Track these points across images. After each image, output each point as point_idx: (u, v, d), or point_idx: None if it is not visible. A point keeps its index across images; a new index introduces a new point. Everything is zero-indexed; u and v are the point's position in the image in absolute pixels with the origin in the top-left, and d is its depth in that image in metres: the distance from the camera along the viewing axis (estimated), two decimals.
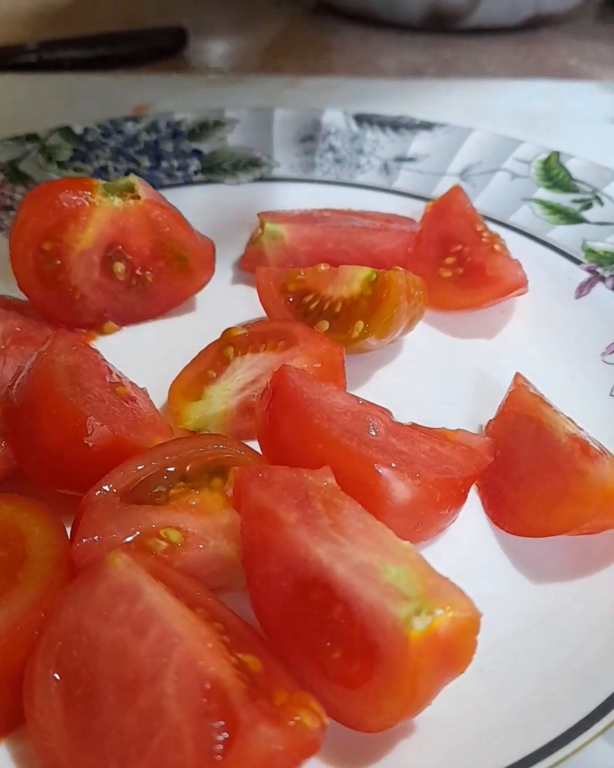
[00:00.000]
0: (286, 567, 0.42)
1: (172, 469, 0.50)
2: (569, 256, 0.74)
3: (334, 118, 0.90)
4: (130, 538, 0.46)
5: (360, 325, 0.62)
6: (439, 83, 1.10)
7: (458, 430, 0.56)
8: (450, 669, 0.40)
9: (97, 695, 0.38)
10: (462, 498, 0.51)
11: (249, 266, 0.75)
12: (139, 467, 0.49)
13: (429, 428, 0.55)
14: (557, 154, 0.84)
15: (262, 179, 0.85)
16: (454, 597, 0.39)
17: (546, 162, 0.83)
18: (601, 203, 0.78)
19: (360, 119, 0.90)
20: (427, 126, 0.88)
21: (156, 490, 0.48)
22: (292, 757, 0.35)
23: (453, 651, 0.39)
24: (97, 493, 0.47)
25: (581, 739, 0.42)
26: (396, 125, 0.89)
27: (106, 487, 0.48)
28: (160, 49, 1.22)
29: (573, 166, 0.82)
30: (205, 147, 0.87)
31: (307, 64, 1.14)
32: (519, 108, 1.01)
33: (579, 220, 0.77)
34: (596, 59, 1.24)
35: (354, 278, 0.64)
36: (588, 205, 0.78)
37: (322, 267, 0.67)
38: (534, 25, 1.26)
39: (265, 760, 0.34)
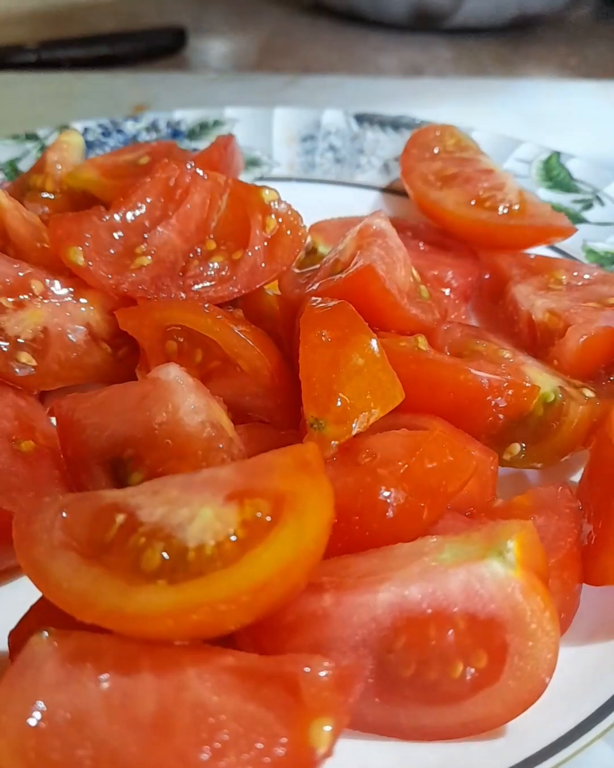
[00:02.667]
0: (355, 646, 0.41)
1: None
2: (570, 256, 0.74)
3: (334, 117, 0.90)
4: None
5: (516, 447, 0.55)
6: (440, 82, 1.10)
7: None
8: (544, 579, 0.42)
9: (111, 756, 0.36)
10: None
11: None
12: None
13: None
14: (557, 154, 0.83)
15: (261, 179, 0.84)
16: (500, 527, 0.42)
17: (546, 162, 0.83)
18: (602, 203, 0.78)
19: (361, 119, 0.90)
20: (428, 124, 0.88)
21: None
22: None
23: (538, 561, 0.42)
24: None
25: (581, 741, 0.42)
26: (396, 125, 0.89)
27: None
28: (160, 48, 1.22)
29: (574, 166, 0.82)
30: (205, 146, 0.87)
31: (306, 63, 1.14)
32: (520, 107, 1.01)
33: (580, 221, 0.76)
34: (596, 58, 1.24)
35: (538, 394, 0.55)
36: (588, 206, 0.78)
37: (506, 353, 0.58)
38: (521, 25, 1.27)
39: None
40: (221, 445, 0.49)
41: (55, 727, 0.35)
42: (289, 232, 0.60)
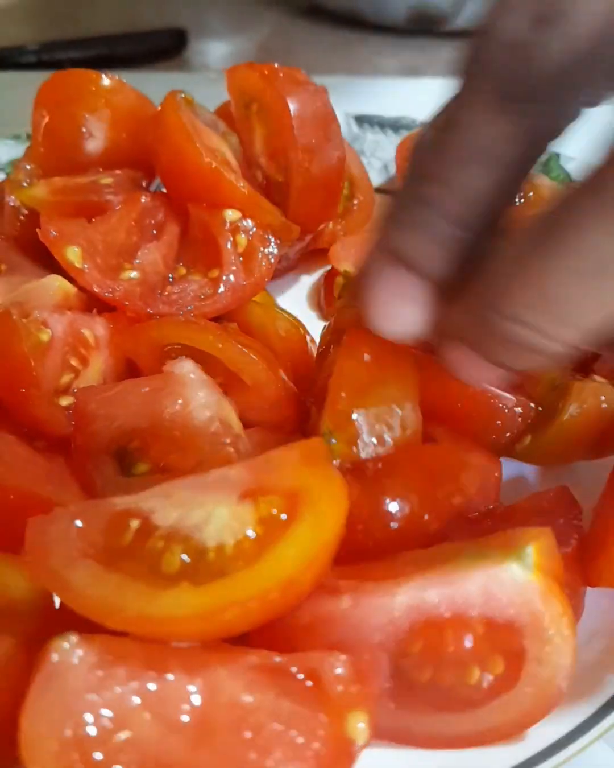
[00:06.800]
0: (371, 649, 0.41)
1: None
2: None
3: None
4: None
5: (527, 439, 0.53)
6: (439, 83, 1.10)
7: None
8: (562, 585, 0.42)
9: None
10: None
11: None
12: None
13: None
14: (557, 155, 0.83)
15: None
16: (518, 533, 0.42)
17: (546, 164, 0.83)
18: None
19: (361, 120, 0.90)
20: None
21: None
22: None
23: (555, 567, 0.42)
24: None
25: (580, 742, 0.43)
26: (396, 126, 0.89)
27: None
28: (160, 49, 1.22)
29: (574, 169, 0.82)
30: None
31: (306, 65, 1.13)
32: None
33: None
34: None
35: (543, 377, 0.54)
36: None
37: None
38: None
39: None
40: (227, 441, 0.49)
41: (97, 736, 0.35)
42: (260, 248, 0.61)
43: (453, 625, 0.41)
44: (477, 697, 0.41)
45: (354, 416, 0.48)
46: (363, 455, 0.48)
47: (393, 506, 0.45)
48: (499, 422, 0.52)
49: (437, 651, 0.41)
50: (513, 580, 0.40)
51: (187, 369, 0.51)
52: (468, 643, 0.41)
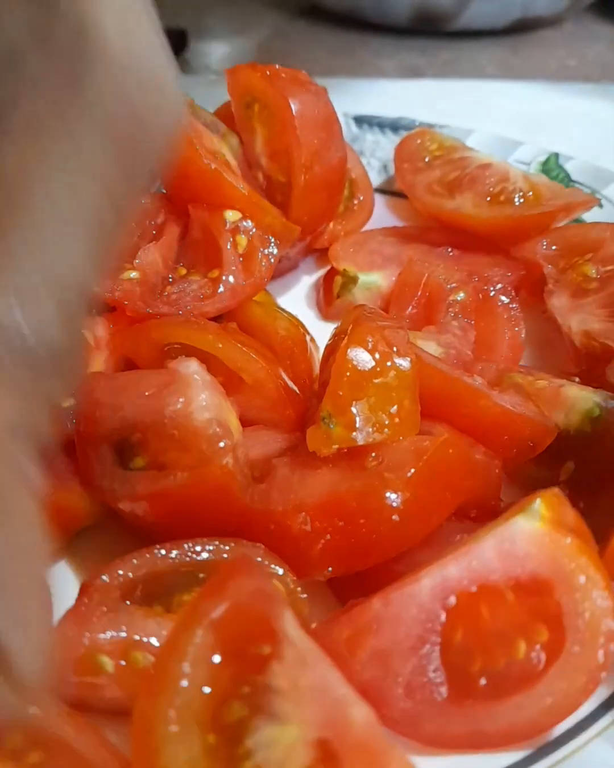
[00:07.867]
0: (414, 647, 0.40)
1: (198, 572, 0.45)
2: None
3: None
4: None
5: (570, 466, 0.53)
6: (439, 84, 1.10)
7: None
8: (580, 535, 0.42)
9: None
10: None
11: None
12: (161, 553, 0.46)
13: None
14: (556, 155, 0.84)
15: None
16: (529, 498, 0.43)
17: (545, 163, 0.83)
18: (600, 205, 0.78)
19: (360, 120, 0.90)
20: (427, 127, 0.88)
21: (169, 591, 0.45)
22: None
23: (570, 519, 0.42)
24: (98, 580, 0.44)
25: (579, 739, 0.42)
26: (395, 126, 0.89)
27: (105, 578, 0.44)
28: None
29: (573, 168, 0.82)
30: None
31: (306, 66, 1.14)
32: (519, 109, 1.01)
33: (579, 223, 0.77)
34: (595, 60, 1.24)
35: (574, 407, 0.53)
36: None
37: (543, 383, 0.55)
38: (523, 27, 1.26)
39: None
40: (224, 444, 0.49)
41: None
42: (260, 248, 0.62)
43: (484, 599, 0.41)
44: (532, 671, 0.40)
45: (354, 402, 0.48)
46: (361, 441, 0.48)
47: (395, 499, 0.45)
48: (531, 444, 0.52)
49: (478, 633, 0.41)
50: (523, 532, 0.41)
51: (192, 369, 0.51)
52: (504, 614, 0.41)
